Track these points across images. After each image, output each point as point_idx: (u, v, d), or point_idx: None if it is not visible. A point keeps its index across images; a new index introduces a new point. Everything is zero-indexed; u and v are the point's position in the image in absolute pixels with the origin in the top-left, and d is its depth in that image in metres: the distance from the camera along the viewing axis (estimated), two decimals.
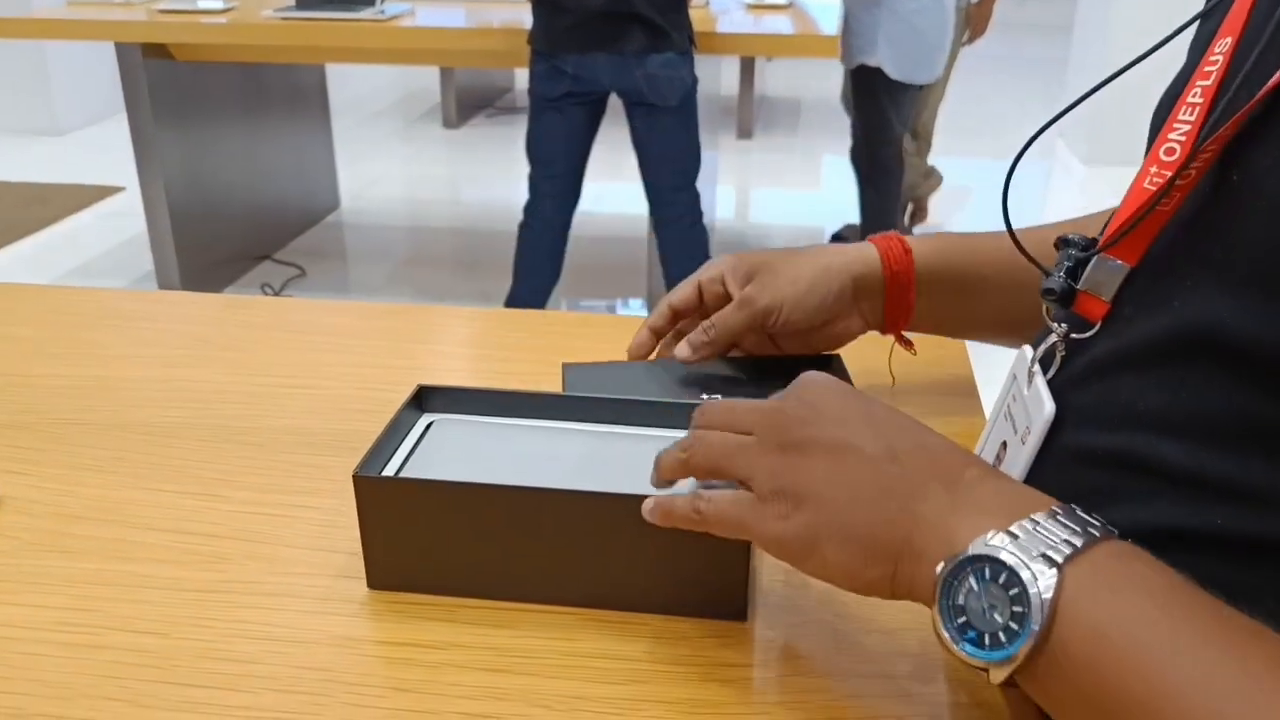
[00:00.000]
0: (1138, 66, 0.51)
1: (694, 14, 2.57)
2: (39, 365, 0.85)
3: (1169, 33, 0.50)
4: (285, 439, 0.75)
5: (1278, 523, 0.38)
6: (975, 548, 0.39)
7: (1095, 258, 0.48)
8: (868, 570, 0.43)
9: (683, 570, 0.54)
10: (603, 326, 0.96)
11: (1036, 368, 0.51)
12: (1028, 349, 0.53)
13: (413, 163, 4.83)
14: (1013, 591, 0.37)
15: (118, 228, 3.78)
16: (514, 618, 0.56)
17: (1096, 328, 0.48)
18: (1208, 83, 0.46)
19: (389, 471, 0.59)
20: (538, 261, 2.67)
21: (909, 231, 3.72)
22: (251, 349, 0.88)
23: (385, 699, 0.51)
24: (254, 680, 0.52)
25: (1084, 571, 0.37)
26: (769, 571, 0.60)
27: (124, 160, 3.16)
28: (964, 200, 4.07)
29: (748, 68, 4.99)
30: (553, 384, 0.75)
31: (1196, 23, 0.51)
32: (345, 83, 5.94)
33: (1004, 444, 0.52)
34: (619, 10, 2.34)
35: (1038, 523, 0.39)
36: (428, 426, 0.64)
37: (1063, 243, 0.51)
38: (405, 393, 0.65)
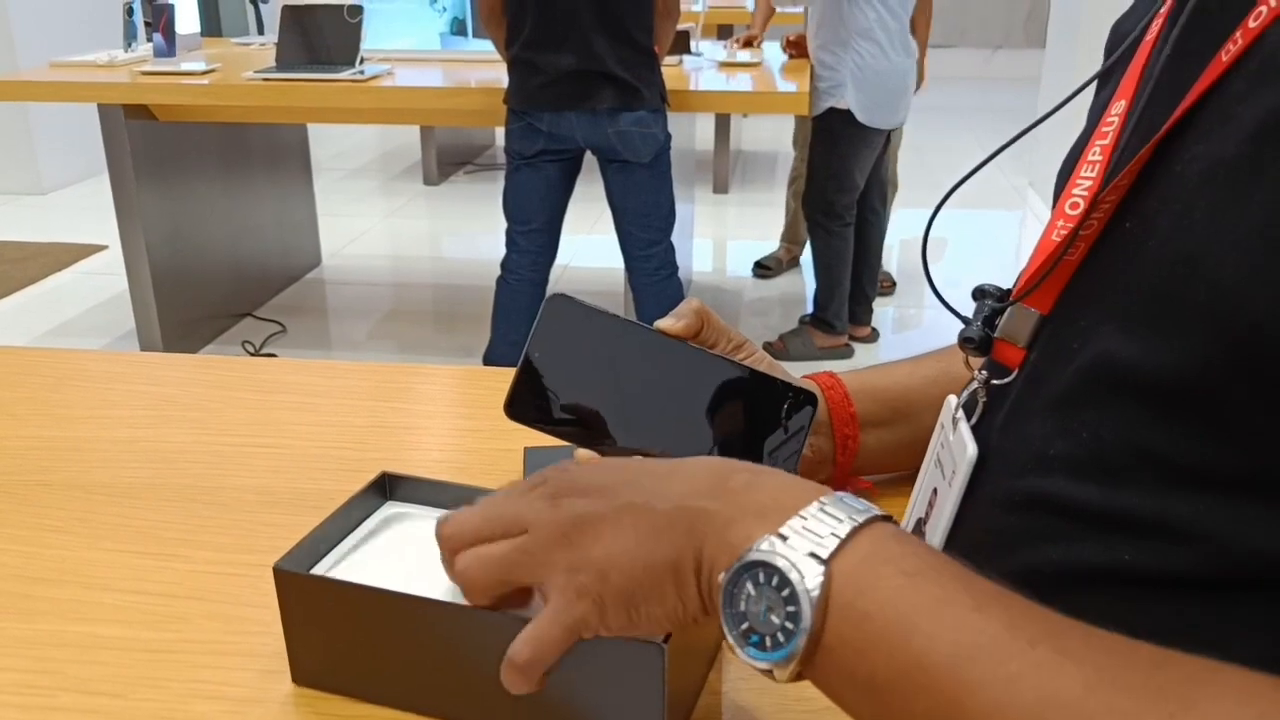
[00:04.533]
0: None
1: (667, 72, 2.63)
2: (6, 426, 0.86)
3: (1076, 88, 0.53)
4: (248, 499, 0.76)
5: (1179, 553, 0.40)
6: (747, 555, 0.41)
7: (1010, 307, 0.51)
8: (686, 605, 0.44)
9: (601, 698, 0.51)
10: None
11: (960, 413, 0.53)
12: (952, 397, 0.55)
13: (394, 219, 4.87)
14: (785, 592, 0.39)
15: (99, 286, 3.79)
16: None
17: (1014, 374, 0.50)
18: (1105, 142, 0.49)
19: (328, 560, 0.58)
20: (516, 316, 2.70)
21: (890, 277, 3.76)
22: (218, 409, 0.90)
23: None
24: None
25: (849, 562, 0.39)
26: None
27: (106, 219, 3.18)
28: (938, 251, 4.13)
29: (723, 123, 5.07)
30: (523, 444, 0.76)
31: (1097, 92, 0.54)
32: (326, 141, 6.01)
33: (935, 490, 0.54)
34: (590, 69, 2.40)
35: (805, 520, 0.41)
36: (383, 518, 0.62)
37: (979, 293, 0.53)
38: (373, 453, 0.66)
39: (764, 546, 0.40)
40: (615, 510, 0.45)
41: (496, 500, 0.49)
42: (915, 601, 0.38)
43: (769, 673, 0.41)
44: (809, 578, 0.39)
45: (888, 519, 0.42)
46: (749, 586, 0.40)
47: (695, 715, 0.55)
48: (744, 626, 0.41)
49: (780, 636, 0.40)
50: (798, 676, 0.40)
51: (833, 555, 0.39)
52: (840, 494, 0.43)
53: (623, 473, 0.48)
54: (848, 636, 0.38)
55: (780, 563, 0.40)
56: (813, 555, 0.39)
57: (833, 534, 0.40)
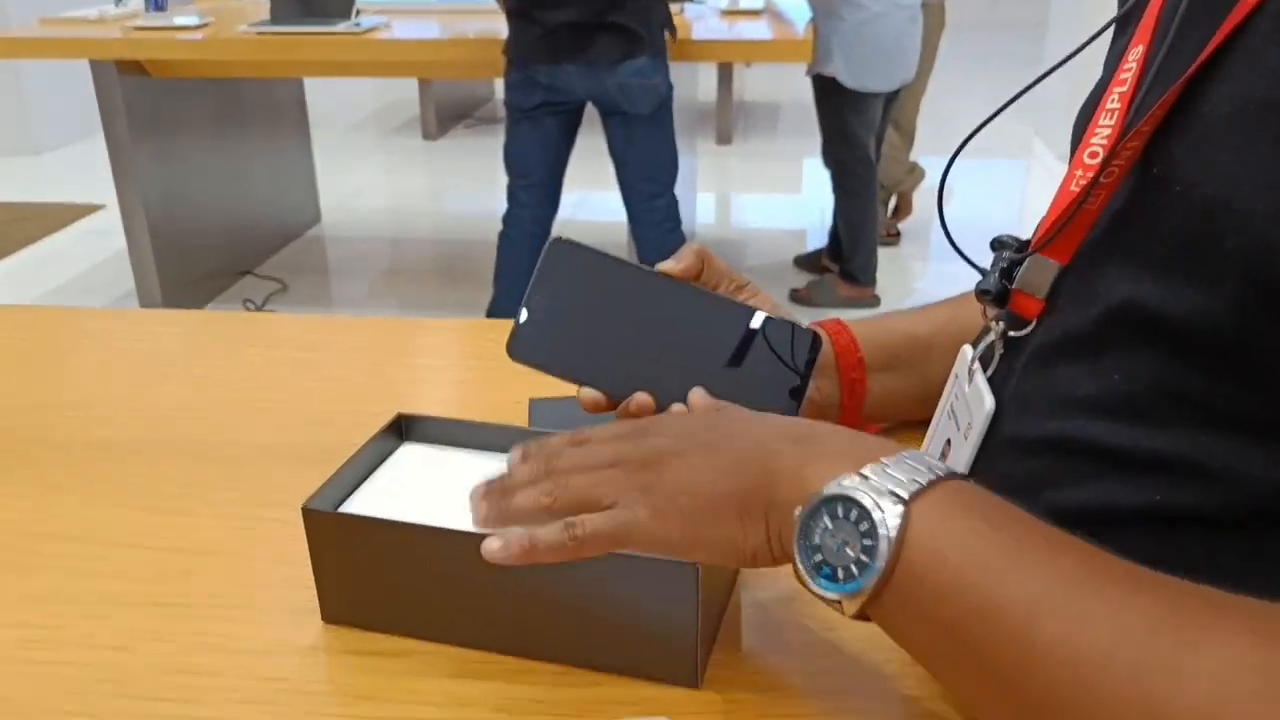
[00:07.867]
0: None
1: None
2: (7, 385, 0.85)
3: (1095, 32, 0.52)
4: (252, 454, 0.75)
5: (1211, 493, 0.40)
6: (829, 488, 0.42)
7: (1029, 258, 0.50)
8: (747, 537, 0.45)
9: (631, 626, 0.52)
10: None
11: (977, 365, 0.52)
12: (968, 348, 0.54)
13: (393, 174, 4.83)
14: (863, 526, 0.40)
15: (98, 246, 3.77)
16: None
17: (1032, 325, 0.49)
18: (1124, 89, 0.47)
19: (351, 501, 0.59)
20: (518, 271, 2.68)
21: (894, 228, 3.73)
22: (221, 366, 0.89)
23: (346, 707, 0.52)
24: (215, 692, 0.53)
25: (928, 505, 0.40)
26: (729, 638, 0.60)
27: (103, 178, 3.15)
28: (945, 198, 4.09)
29: (725, 73, 5.01)
30: (528, 395, 0.75)
31: (1113, 39, 0.52)
32: (323, 96, 5.94)
33: (948, 441, 0.53)
34: (588, 20, 2.35)
35: (886, 465, 0.42)
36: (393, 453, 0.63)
37: (997, 244, 0.52)
38: (376, 406, 0.65)
39: (845, 482, 0.41)
40: (692, 447, 0.47)
41: (603, 443, 0.50)
42: (991, 545, 0.39)
43: (837, 604, 0.41)
44: (889, 514, 0.40)
45: (965, 478, 0.42)
46: (826, 520, 0.41)
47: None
48: (817, 559, 0.42)
49: (854, 569, 0.40)
50: (864, 613, 0.41)
51: (913, 496, 0.40)
52: (921, 451, 0.43)
53: (704, 417, 0.51)
54: (922, 575, 0.39)
55: (861, 498, 0.40)
56: (893, 494, 0.40)
57: (913, 479, 0.41)
